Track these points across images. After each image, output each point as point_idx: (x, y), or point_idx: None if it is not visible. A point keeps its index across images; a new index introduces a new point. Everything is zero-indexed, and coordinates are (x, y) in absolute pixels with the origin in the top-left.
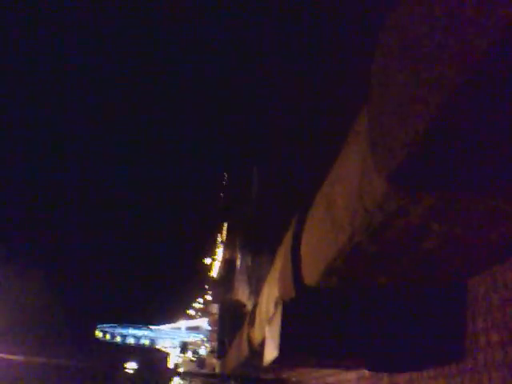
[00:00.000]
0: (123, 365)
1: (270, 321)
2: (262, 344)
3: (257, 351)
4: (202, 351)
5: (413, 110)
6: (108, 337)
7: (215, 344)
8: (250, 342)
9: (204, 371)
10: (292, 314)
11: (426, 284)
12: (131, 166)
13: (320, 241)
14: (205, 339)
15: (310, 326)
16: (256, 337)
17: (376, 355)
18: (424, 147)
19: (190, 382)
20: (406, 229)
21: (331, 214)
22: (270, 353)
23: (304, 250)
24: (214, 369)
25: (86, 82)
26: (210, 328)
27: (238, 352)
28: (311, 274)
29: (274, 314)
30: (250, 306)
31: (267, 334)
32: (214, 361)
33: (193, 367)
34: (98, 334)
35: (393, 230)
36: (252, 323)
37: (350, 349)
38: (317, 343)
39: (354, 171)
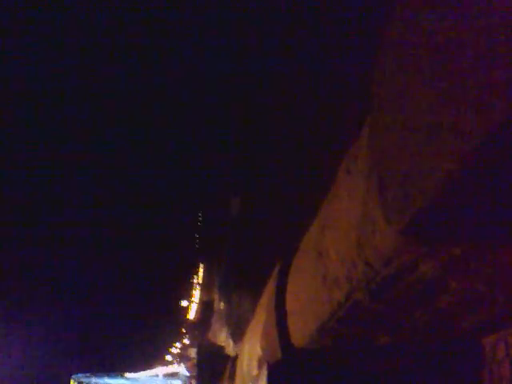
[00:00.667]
0: None
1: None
2: None
3: None
4: None
5: (444, 141)
6: None
7: None
8: None
9: None
10: (278, 379)
11: (434, 344)
12: (102, 204)
13: (309, 296)
14: None
15: None
16: None
17: None
18: (456, 191)
19: None
20: (417, 285)
21: (322, 265)
22: None
23: (290, 305)
24: None
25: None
26: (188, 374)
27: None
28: (300, 334)
29: (258, 376)
30: (228, 349)
31: None
32: None
33: None
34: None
35: (401, 287)
36: (232, 378)
37: None
38: None
39: (351, 214)
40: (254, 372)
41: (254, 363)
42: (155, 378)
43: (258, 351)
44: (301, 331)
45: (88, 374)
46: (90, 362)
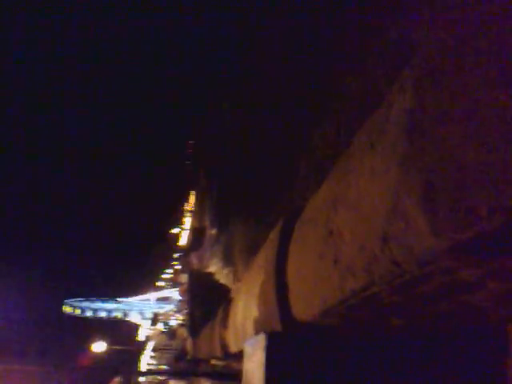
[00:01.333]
0: (89, 348)
1: (248, 351)
2: (237, 353)
3: (231, 355)
4: (173, 322)
5: None
6: (78, 311)
7: (186, 315)
8: (223, 344)
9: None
10: (278, 353)
11: (453, 328)
12: (94, 132)
13: (315, 275)
14: (175, 310)
15: (301, 370)
16: (230, 344)
17: None
18: None
19: (162, 354)
20: (450, 285)
21: (333, 245)
22: None
23: (292, 276)
24: (184, 343)
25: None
26: (180, 298)
27: (210, 347)
28: (302, 310)
29: (255, 344)
30: (219, 277)
31: (245, 368)
32: (185, 333)
33: (164, 339)
34: (67, 308)
35: (430, 286)
36: (225, 325)
37: None
38: None
39: (374, 198)
40: (249, 332)
41: (250, 323)
42: (147, 302)
43: (255, 312)
44: (303, 308)
45: (81, 299)
46: (82, 287)
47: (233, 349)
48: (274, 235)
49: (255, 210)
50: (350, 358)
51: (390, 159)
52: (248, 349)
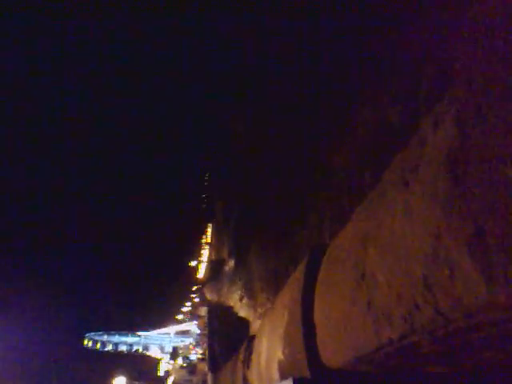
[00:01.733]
0: (110, 383)
1: None
2: None
3: None
4: (193, 357)
5: None
6: (99, 345)
7: (206, 348)
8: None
9: (195, 378)
10: None
11: (496, 374)
12: (112, 167)
13: (346, 319)
14: (194, 343)
15: None
16: None
17: None
18: None
19: None
20: (499, 336)
21: (365, 289)
22: None
23: (319, 318)
24: (205, 378)
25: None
26: (199, 331)
27: None
28: (332, 355)
29: None
30: (237, 309)
31: None
32: (205, 368)
33: (184, 374)
34: (87, 342)
35: (476, 336)
36: (248, 365)
37: None
38: None
39: (411, 241)
40: (275, 376)
41: (274, 365)
42: (167, 335)
43: (279, 355)
44: (333, 354)
45: (101, 333)
46: (103, 321)
47: None
48: (299, 273)
49: (274, 241)
50: None
51: (429, 200)
52: None
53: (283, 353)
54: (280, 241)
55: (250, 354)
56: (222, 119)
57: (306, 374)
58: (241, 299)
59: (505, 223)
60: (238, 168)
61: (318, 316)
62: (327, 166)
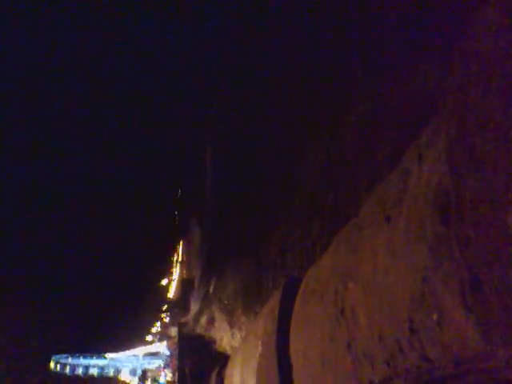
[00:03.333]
0: None
1: None
2: None
3: None
4: (162, 379)
5: None
6: (67, 369)
7: (175, 370)
8: None
9: None
10: None
11: None
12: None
13: (324, 359)
14: (163, 365)
15: None
16: None
17: None
18: None
19: None
20: (486, 382)
21: (345, 328)
22: None
23: (295, 357)
24: None
25: None
26: (168, 353)
27: None
28: None
29: None
30: (210, 330)
31: None
32: None
33: None
34: (52, 365)
35: (463, 381)
36: None
37: None
38: None
39: (395, 281)
40: None
41: None
42: (135, 357)
43: None
44: None
45: (67, 355)
46: (69, 343)
47: None
48: (273, 303)
49: (247, 260)
50: None
51: (415, 239)
52: None
53: None
54: (253, 261)
55: (222, 381)
56: (194, 133)
57: None
58: (213, 319)
59: (505, 274)
60: (210, 187)
61: (294, 351)
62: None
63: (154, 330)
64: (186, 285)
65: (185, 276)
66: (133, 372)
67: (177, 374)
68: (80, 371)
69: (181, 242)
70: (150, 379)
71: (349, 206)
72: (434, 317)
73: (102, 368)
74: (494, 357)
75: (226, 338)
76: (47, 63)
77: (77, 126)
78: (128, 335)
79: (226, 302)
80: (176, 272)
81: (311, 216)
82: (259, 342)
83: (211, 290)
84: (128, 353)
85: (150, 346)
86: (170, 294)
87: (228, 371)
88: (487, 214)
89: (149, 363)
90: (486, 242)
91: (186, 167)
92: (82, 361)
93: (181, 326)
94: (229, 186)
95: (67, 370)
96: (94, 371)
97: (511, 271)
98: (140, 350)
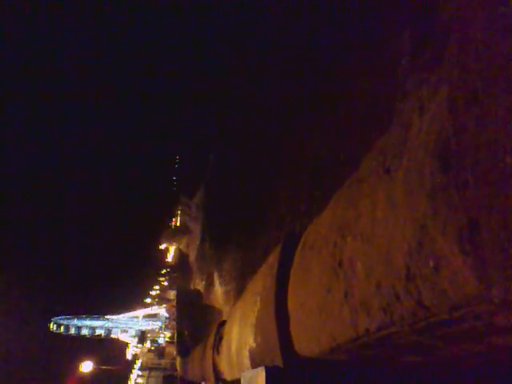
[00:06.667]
0: (78, 367)
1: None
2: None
3: (224, 381)
4: (161, 340)
5: None
6: (63, 329)
7: (174, 332)
8: (215, 371)
9: (163, 362)
10: None
11: (476, 366)
12: (80, 149)
13: (321, 308)
14: (163, 326)
15: None
16: (223, 372)
17: None
18: None
19: (150, 372)
20: (481, 329)
21: (343, 278)
22: None
23: (293, 308)
24: (174, 362)
25: None
26: (167, 315)
27: (202, 371)
28: (306, 344)
29: (253, 378)
30: (207, 299)
31: None
32: (174, 351)
33: (152, 357)
34: (52, 326)
35: (459, 329)
36: (218, 351)
37: None
38: None
39: (393, 230)
40: (245, 364)
41: (245, 353)
42: (135, 319)
43: (251, 343)
44: (308, 343)
45: (69, 316)
46: (70, 305)
47: (227, 377)
48: (272, 259)
49: (247, 227)
50: None
51: (414, 188)
52: (246, 382)
53: (255, 341)
54: (253, 226)
55: (220, 339)
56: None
57: (279, 362)
58: (210, 285)
59: (503, 216)
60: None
61: (292, 304)
62: (300, 151)
63: (153, 293)
64: (184, 250)
65: (183, 242)
66: (132, 333)
67: (176, 335)
68: (85, 332)
69: (180, 209)
70: (149, 340)
71: (352, 165)
72: (431, 263)
73: (103, 329)
74: (490, 301)
75: (222, 303)
76: (47, 48)
77: (80, 82)
78: (128, 298)
79: (225, 269)
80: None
81: (314, 174)
82: (258, 298)
83: (210, 258)
84: (127, 315)
85: (149, 309)
86: (169, 259)
87: (226, 329)
88: (487, 158)
89: (148, 325)
90: (484, 186)
91: (186, 130)
92: (83, 322)
93: (179, 290)
94: (233, 143)
95: (70, 330)
96: (91, 332)
97: (510, 212)
98: (139, 312)
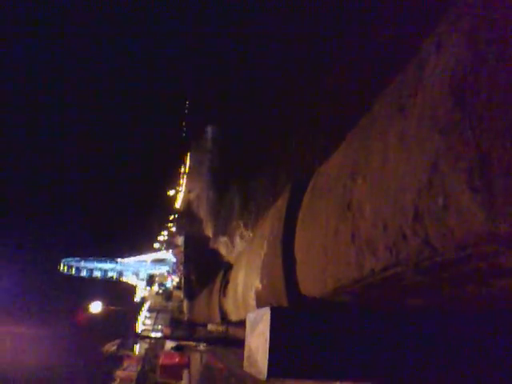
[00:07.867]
0: (87, 307)
1: (250, 324)
2: (236, 323)
3: (229, 322)
4: (169, 284)
5: None
6: (73, 271)
7: (181, 276)
8: (222, 312)
9: (171, 305)
10: (283, 329)
11: (476, 310)
12: (88, 100)
13: (327, 250)
14: (171, 271)
15: (307, 348)
16: (229, 313)
17: None
18: None
19: (158, 314)
20: (486, 270)
21: (350, 220)
22: (255, 372)
23: (300, 249)
24: (181, 305)
25: None
26: (175, 260)
27: (208, 313)
28: (312, 285)
29: (258, 318)
30: (214, 243)
31: (248, 342)
32: (181, 295)
33: (159, 300)
34: (63, 268)
35: (464, 269)
36: (224, 293)
37: (359, 375)
38: (316, 366)
39: (404, 170)
40: (251, 303)
41: (251, 294)
42: (144, 262)
43: (257, 284)
44: (313, 284)
45: (78, 258)
46: (80, 247)
47: (232, 318)
48: (281, 202)
49: (255, 174)
50: (359, 336)
51: (427, 124)
52: (251, 322)
53: (261, 282)
54: (262, 169)
55: (227, 282)
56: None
57: (284, 303)
58: (218, 231)
59: None
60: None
61: (299, 246)
62: (315, 90)
63: (161, 238)
64: (192, 196)
65: (191, 188)
66: (140, 276)
67: (183, 280)
68: (97, 274)
69: (188, 154)
70: (157, 283)
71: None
72: (440, 201)
73: (108, 271)
74: (497, 240)
75: (228, 249)
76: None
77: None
78: (136, 242)
79: (228, 219)
80: (183, 183)
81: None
82: (265, 242)
83: (217, 204)
84: (136, 258)
85: (157, 253)
86: (177, 205)
87: (233, 273)
88: (505, 93)
89: (156, 269)
90: (500, 121)
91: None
92: (93, 264)
93: (187, 236)
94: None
95: (81, 272)
96: (100, 274)
97: None
98: (148, 257)
